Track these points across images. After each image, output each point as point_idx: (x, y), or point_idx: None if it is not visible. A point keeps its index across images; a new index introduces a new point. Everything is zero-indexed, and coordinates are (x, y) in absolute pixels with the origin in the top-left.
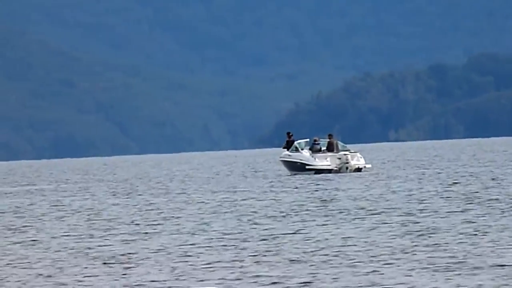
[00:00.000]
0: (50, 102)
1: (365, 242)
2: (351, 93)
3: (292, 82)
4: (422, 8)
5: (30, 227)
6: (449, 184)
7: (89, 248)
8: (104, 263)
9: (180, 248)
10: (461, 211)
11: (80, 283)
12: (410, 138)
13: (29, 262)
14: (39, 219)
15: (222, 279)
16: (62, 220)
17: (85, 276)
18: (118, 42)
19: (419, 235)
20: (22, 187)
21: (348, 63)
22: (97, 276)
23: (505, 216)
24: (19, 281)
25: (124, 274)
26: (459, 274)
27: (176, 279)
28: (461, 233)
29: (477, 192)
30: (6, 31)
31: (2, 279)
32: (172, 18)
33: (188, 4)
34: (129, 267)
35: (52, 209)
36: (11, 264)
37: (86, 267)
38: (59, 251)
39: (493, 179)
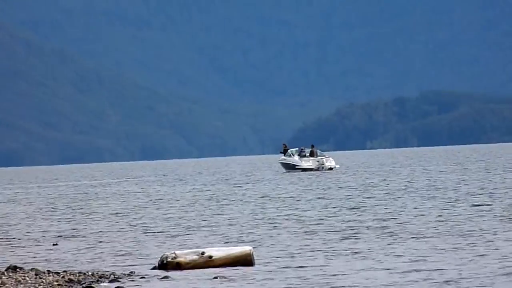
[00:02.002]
0: (140, 121)
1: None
2: (341, 116)
3: (302, 108)
4: (388, 57)
5: None
6: (383, 178)
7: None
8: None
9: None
10: (389, 196)
11: None
12: (380, 147)
13: None
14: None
15: None
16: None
17: None
18: (185, 80)
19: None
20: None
21: (340, 96)
22: None
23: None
24: None
25: None
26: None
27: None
28: (380, 205)
29: (406, 183)
30: (104, 71)
31: None
32: (220, 64)
33: (232, 54)
34: None
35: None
36: None
37: None
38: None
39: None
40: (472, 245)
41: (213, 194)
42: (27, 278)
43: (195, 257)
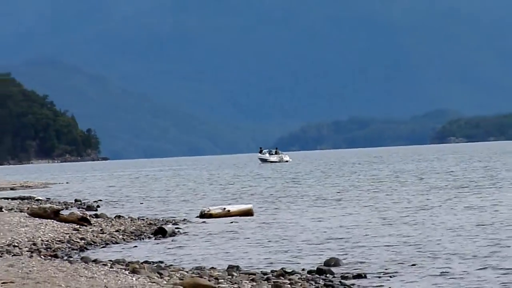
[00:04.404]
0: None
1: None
2: (303, 131)
3: (279, 126)
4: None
5: None
6: (314, 169)
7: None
8: None
9: None
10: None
11: None
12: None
13: None
14: None
15: None
16: None
17: None
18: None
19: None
20: None
21: (303, 118)
22: None
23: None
24: None
25: None
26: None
27: None
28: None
29: (330, 173)
30: (163, 104)
31: None
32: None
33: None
34: None
35: None
36: None
37: None
38: None
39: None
40: None
41: (219, 176)
42: (126, 222)
43: (219, 211)
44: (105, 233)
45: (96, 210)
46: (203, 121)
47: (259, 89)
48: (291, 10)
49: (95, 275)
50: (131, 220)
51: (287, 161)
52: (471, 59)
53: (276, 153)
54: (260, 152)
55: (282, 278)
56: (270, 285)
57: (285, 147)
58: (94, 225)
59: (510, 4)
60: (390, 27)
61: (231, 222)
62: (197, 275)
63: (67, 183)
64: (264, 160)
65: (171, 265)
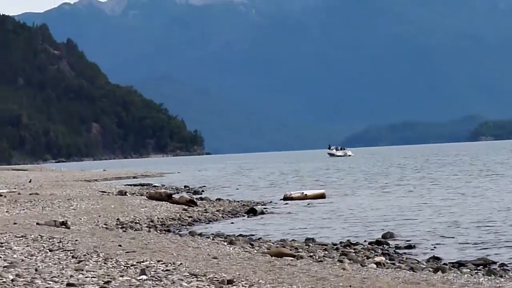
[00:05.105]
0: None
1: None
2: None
3: (346, 127)
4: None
5: None
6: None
7: None
8: None
9: None
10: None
11: None
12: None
13: None
14: None
15: None
16: None
17: None
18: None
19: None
20: None
21: (366, 120)
22: None
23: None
24: None
25: None
26: None
27: None
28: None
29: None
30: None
31: None
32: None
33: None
34: None
35: None
36: None
37: None
38: None
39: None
40: None
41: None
42: (225, 203)
43: (298, 194)
44: (208, 212)
45: (201, 194)
46: (288, 123)
47: (331, 99)
48: (355, 37)
49: (200, 245)
50: (228, 202)
51: (350, 155)
52: (495, 76)
53: (341, 149)
54: (329, 148)
55: (348, 248)
56: (338, 254)
57: (350, 144)
58: (199, 206)
59: None
60: (433, 49)
61: (308, 204)
62: (281, 246)
63: (178, 173)
64: (331, 155)
65: (260, 237)
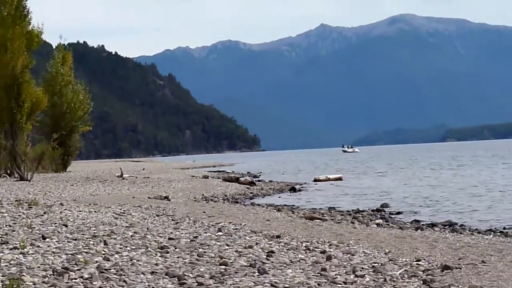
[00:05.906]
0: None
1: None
2: (369, 135)
3: (354, 131)
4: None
5: None
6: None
7: None
8: None
9: None
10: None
11: None
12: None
13: None
14: None
15: None
16: None
17: None
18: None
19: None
20: None
21: (369, 125)
22: None
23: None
24: None
25: None
26: None
27: None
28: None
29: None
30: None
31: None
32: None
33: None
34: None
35: None
36: None
37: None
38: None
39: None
40: None
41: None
42: (274, 184)
43: (324, 177)
44: (263, 189)
45: (259, 177)
46: (314, 128)
47: (344, 112)
48: (359, 70)
49: (258, 212)
50: (277, 183)
51: (357, 152)
52: (458, 96)
53: (351, 147)
54: (342, 146)
55: (358, 213)
56: (351, 217)
57: (358, 143)
58: (257, 186)
59: None
60: (415, 79)
61: (331, 184)
62: (312, 212)
63: (243, 163)
64: (344, 151)
65: (298, 207)
